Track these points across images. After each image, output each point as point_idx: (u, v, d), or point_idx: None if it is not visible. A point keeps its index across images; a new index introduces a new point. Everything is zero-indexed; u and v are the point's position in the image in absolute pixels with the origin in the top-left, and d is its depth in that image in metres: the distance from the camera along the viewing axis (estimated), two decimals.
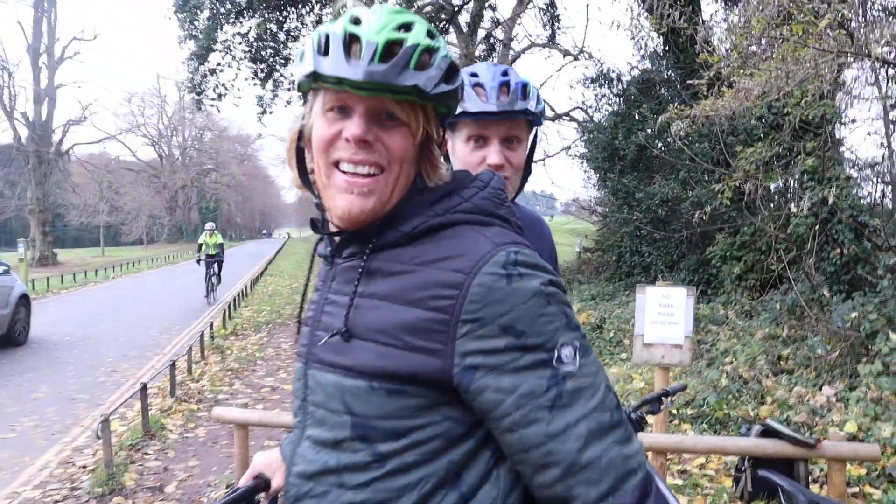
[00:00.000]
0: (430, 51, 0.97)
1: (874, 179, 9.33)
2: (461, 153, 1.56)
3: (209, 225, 17.78)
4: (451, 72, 1.00)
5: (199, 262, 17.26)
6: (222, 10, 15.30)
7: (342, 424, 0.98)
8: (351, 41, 0.95)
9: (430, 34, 0.98)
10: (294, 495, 1.05)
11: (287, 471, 1.09)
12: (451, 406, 0.95)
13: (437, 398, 0.95)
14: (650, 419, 3.55)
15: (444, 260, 0.95)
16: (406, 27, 0.97)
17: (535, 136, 1.63)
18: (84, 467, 5.40)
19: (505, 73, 1.53)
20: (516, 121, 1.53)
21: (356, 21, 0.97)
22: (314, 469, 1.02)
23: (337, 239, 1.07)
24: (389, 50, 0.94)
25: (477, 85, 1.51)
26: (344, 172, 0.99)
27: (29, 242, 33.89)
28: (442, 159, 1.07)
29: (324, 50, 0.96)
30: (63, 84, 41.59)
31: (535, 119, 1.55)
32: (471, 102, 1.50)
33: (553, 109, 21.44)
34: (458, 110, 1.43)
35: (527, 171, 1.61)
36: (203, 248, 16.88)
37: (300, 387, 1.07)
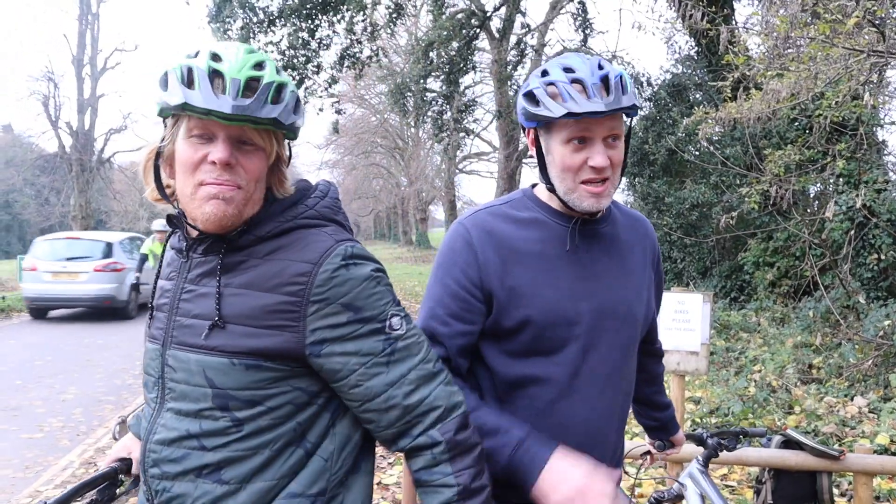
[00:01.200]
0: (281, 86, 1.16)
1: None
2: (559, 155, 1.44)
3: (159, 224, 11.66)
4: (298, 103, 1.20)
5: (136, 281, 13.82)
6: (254, 19, 15.54)
7: (204, 396, 1.15)
8: (214, 76, 1.12)
9: (278, 71, 1.18)
10: (153, 460, 1.18)
11: (144, 439, 1.21)
12: (298, 378, 1.18)
13: (287, 371, 1.16)
14: None
15: (294, 253, 1.17)
16: (260, 66, 1.16)
17: (630, 127, 1.53)
18: None
19: (601, 66, 1.42)
20: (615, 117, 1.42)
21: (216, 58, 1.14)
22: (175, 435, 1.16)
23: (193, 236, 1.23)
24: (249, 86, 1.12)
25: (575, 81, 1.39)
26: (207, 185, 1.15)
27: None
28: (288, 173, 1.27)
29: (189, 83, 1.11)
30: (105, 94, 42.64)
31: (633, 112, 1.44)
32: (573, 102, 1.37)
33: None
34: (563, 111, 1.36)
35: (624, 165, 1.52)
36: (146, 259, 11.97)
37: (156, 366, 1.22)
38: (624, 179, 14.64)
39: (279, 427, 1.17)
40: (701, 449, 2.48)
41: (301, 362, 1.16)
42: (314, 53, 16.03)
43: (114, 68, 40.51)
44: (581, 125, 1.41)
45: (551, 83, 1.41)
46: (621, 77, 1.41)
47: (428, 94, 18.61)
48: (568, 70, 1.41)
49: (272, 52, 15.82)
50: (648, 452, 2.27)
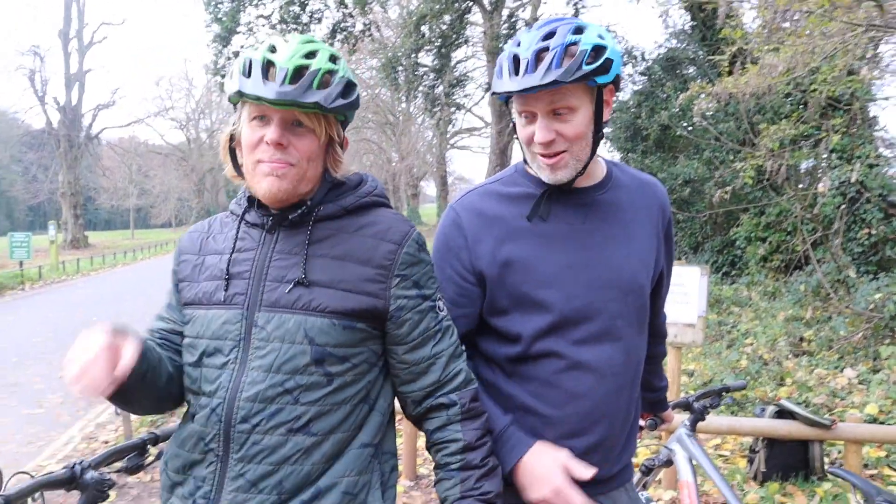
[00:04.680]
0: (331, 73, 1.28)
1: None
2: (518, 129, 1.47)
3: None
4: (348, 88, 1.31)
5: None
6: None
7: (303, 353, 1.27)
8: (268, 66, 1.25)
9: (332, 58, 1.30)
10: (243, 416, 1.26)
11: (228, 397, 1.28)
12: (373, 340, 1.35)
13: (368, 333, 1.33)
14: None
15: (380, 232, 1.36)
16: (312, 54, 1.28)
17: (600, 95, 1.43)
18: (106, 442, 5.54)
19: (547, 37, 1.37)
20: (559, 90, 1.36)
21: (273, 49, 1.28)
22: (270, 391, 1.26)
23: (274, 212, 1.36)
24: (298, 73, 1.25)
25: (515, 57, 1.37)
26: (263, 162, 1.29)
27: (60, 225, 34.58)
28: (343, 155, 1.39)
29: (248, 73, 1.26)
30: (92, 69, 41.99)
31: (589, 81, 1.36)
32: (499, 80, 1.39)
33: None
34: (493, 89, 1.44)
35: (597, 136, 1.45)
36: None
37: (237, 328, 1.30)
38: (617, 154, 14.64)
39: (356, 384, 1.33)
40: (688, 414, 2.54)
41: (381, 324, 1.34)
42: (305, 27, 15.86)
43: (101, 42, 40.04)
44: (522, 100, 1.41)
45: (501, 61, 1.42)
46: (568, 45, 1.35)
47: (420, 68, 18.49)
48: (517, 45, 1.40)
49: (263, 25, 15.64)
50: (640, 428, 2.30)
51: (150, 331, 1.49)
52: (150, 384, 1.32)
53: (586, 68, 1.33)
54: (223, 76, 16.49)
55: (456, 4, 17.26)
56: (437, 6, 16.49)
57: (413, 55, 17.46)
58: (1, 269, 20.93)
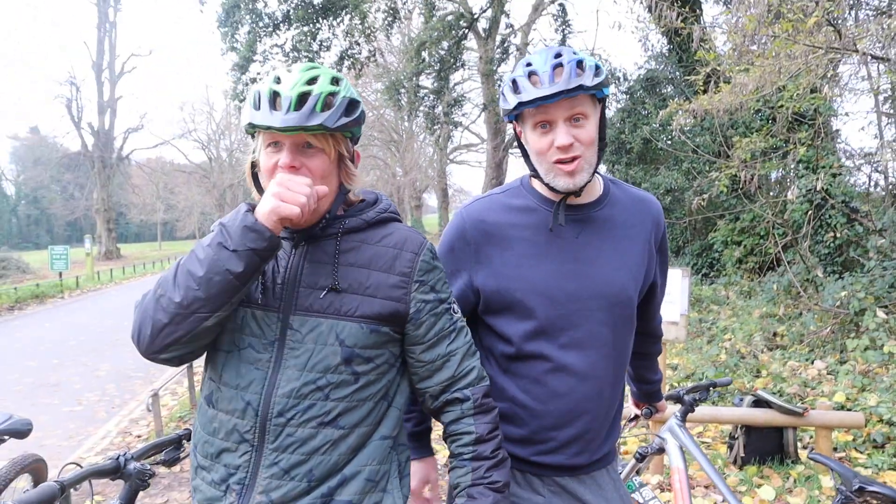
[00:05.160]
0: (333, 94, 1.27)
1: (868, 168, 9.09)
2: (532, 141, 1.46)
3: None
4: (351, 106, 1.30)
5: None
6: (260, 24, 15.37)
7: (334, 354, 1.29)
8: (275, 97, 1.26)
9: (334, 81, 1.29)
10: (279, 411, 1.27)
11: (265, 393, 1.29)
12: (393, 342, 1.37)
13: (390, 335, 1.35)
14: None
15: (399, 243, 1.38)
16: (313, 80, 1.27)
17: (604, 108, 1.49)
18: (139, 436, 5.54)
19: (558, 55, 1.42)
20: (576, 98, 1.40)
21: (277, 80, 1.28)
22: (304, 388, 1.28)
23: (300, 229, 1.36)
24: (301, 99, 1.24)
25: (532, 74, 1.41)
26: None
27: (95, 238, 34.63)
28: (356, 170, 1.40)
29: (257, 105, 1.26)
30: (122, 96, 42.17)
31: (596, 92, 1.42)
32: (524, 92, 1.40)
33: None
34: (515, 101, 1.42)
35: (602, 145, 1.49)
36: None
37: (274, 329, 1.31)
38: (603, 167, 14.69)
39: (379, 382, 1.35)
40: (679, 406, 2.55)
41: (401, 326, 1.36)
42: (315, 55, 15.87)
43: (130, 72, 40.11)
44: (541, 111, 1.42)
45: (513, 80, 1.44)
46: (579, 62, 1.40)
47: (420, 90, 18.50)
48: (528, 65, 1.43)
49: (277, 53, 15.67)
50: (637, 417, 2.31)
51: None
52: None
53: (597, 80, 1.40)
54: (241, 100, 16.53)
55: (453, 32, 17.30)
56: (436, 34, 16.55)
57: (414, 78, 17.50)
58: (43, 280, 20.97)
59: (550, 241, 1.51)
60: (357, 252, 1.36)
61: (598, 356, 1.51)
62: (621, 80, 13.45)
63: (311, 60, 16.44)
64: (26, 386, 7.49)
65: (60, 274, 20.10)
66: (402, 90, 17.96)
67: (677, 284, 3.91)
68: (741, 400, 4.06)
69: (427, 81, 18.94)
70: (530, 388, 1.51)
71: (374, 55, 17.43)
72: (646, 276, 1.61)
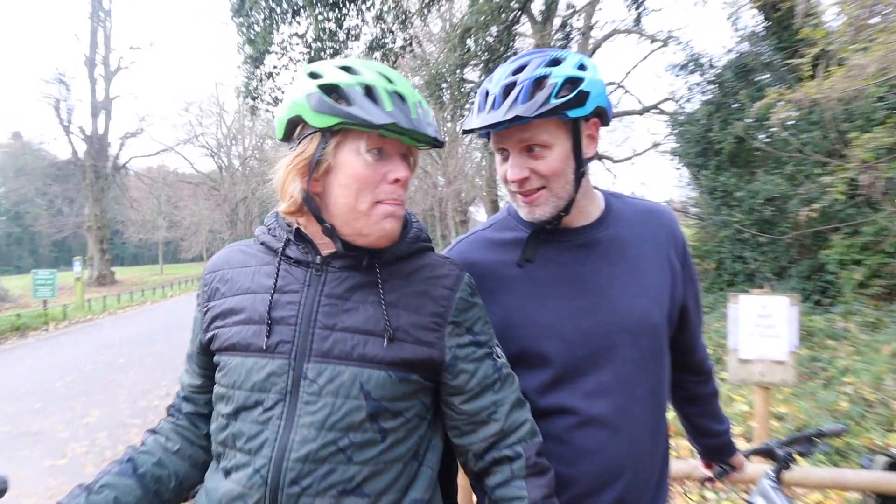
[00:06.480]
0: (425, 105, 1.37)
1: None
2: (497, 166, 1.53)
3: None
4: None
5: None
6: (278, 9, 15.75)
7: (358, 409, 1.27)
8: (401, 98, 1.33)
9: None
10: (292, 479, 1.25)
11: (274, 457, 1.26)
12: (424, 392, 1.37)
13: (421, 384, 1.35)
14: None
15: (433, 278, 1.39)
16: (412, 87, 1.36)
17: (578, 130, 1.45)
18: None
19: (518, 70, 1.43)
20: (529, 126, 1.41)
21: (388, 80, 1.33)
22: (322, 451, 1.25)
23: (331, 251, 1.39)
24: (422, 107, 1.35)
25: (486, 92, 1.45)
26: (385, 204, 1.33)
27: (86, 261, 35.73)
28: None
29: (380, 103, 1.30)
30: (119, 96, 43.74)
31: (560, 115, 1.39)
32: (471, 116, 1.45)
33: (640, 102, 21.11)
34: (467, 126, 1.48)
35: (579, 171, 1.47)
36: None
37: (283, 380, 1.29)
38: (686, 172, 14.47)
39: (409, 439, 1.35)
40: (772, 462, 2.42)
41: (435, 375, 1.37)
42: (342, 45, 16.15)
43: (128, 68, 41.53)
44: (496, 137, 1.47)
45: (482, 94, 1.47)
46: (538, 79, 1.39)
47: (465, 84, 18.62)
48: (490, 80, 1.45)
49: (297, 44, 16.01)
50: (710, 479, 2.24)
51: (173, 407, 1.55)
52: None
53: (554, 102, 1.37)
54: (254, 98, 16.91)
55: (504, 15, 17.38)
56: (483, 18, 16.64)
57: (458, 71, 17.62)
58: (25, 309, 21.66)
59: (554, 276, 1.52)
60: (385, 288, 1.36)
61: (630, 401, 1.50)
62: (706, 67, 13.31)
63: (337, 52, 16.77)
64: (3, 435, 7.68)
65: (45, 302, 20.72)
66: (444, 84, 18.11)
67: (783, 315, 3.81)
68: (871, 460, 3.86)
69: (473, 74, 19.08)
70: (554, 449, 1.49)
71: (411, 44, 17.67)
72: (671, 297, 1.60)
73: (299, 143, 1.34)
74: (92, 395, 9.62)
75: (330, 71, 1.34)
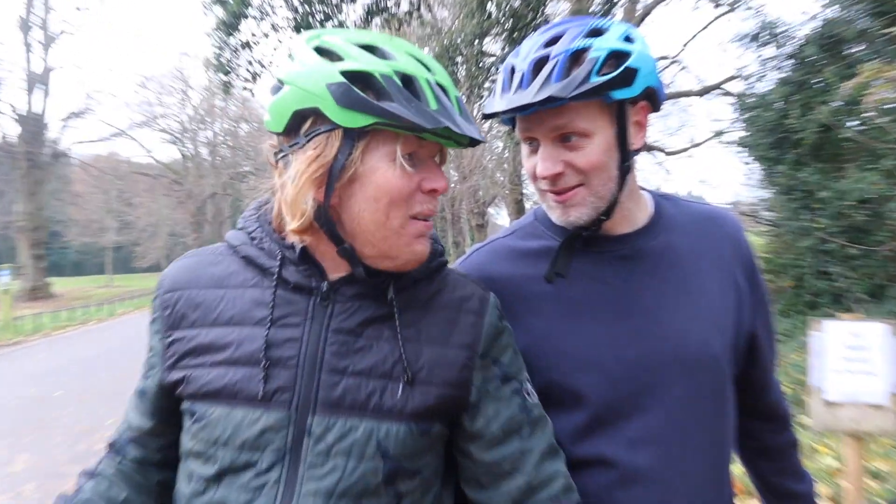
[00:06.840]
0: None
1: None
2: (523, 160, 1.53)
3: None
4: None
5: None
6: None
7: (374, 471, 1.25)
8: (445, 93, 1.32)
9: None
10: None
11: None
12: (440, 441, 1.37)
13: (441, 434, 1.36)
14: None
15: (455, 302, 1.38)
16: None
17: (623, 115, 1.45)
18: None
19: (550, 42, 1.42)
20: (564, 110, 1.40)
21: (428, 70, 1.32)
22: None
23: (341, 274, 1.36)
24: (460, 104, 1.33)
25: (512, 69, 1.44)
26: (418, 220, 1.32)
27: (16, 270, 35.93)
28: None
29: (429, 101, 1.27)
30: (60, 66, 44.08)
31: (603, 97, 1.39)
32: (493, 98, 1.45)
33: (700, 81, 21.15)
34: (487, 110, 1.49)
35: (623, 166, 1.47)
36: None
37: (282, 437, 1.26)
38: (757, 168, 14.45)
39: (423, 501, 1.34)
40: None
41: (455, 421, 1.37)
42: (335, 9, 16.24)
43: (72, 33, 41.89)
44: (523, 123, 1.46)
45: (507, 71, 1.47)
46: (576, 52, 1.38)
47: (485, 58, 18.69)
48: (516, 53, 1.45)
49: (281, 6, 16.08)
50: None
51: (116, 445, 1.50)
52: None
53: (596, 80, 1.36)
54: (227, 73, 16.98)
55: None
56: None
57: (476, 41, 17.69)
58: None
59: (590, 294, 1.52)
60: (402, 320, 1.34)
61: (684, 451, 1.49)
62: (783, 38, 13.32)
63: (328, 17, 16.84)
64: None
65: None
66: (460, 58, 18.21)
67: (880, 346, 3.78)
68: None
69: (495, 46, 19.14)
70: None
71: (419, 8, 17.74)
72: (737, 324, 1.59)
73: (308, 140, 1.26)
74: (20, 436, 9.64)
75: (352, 51, 1.26)
